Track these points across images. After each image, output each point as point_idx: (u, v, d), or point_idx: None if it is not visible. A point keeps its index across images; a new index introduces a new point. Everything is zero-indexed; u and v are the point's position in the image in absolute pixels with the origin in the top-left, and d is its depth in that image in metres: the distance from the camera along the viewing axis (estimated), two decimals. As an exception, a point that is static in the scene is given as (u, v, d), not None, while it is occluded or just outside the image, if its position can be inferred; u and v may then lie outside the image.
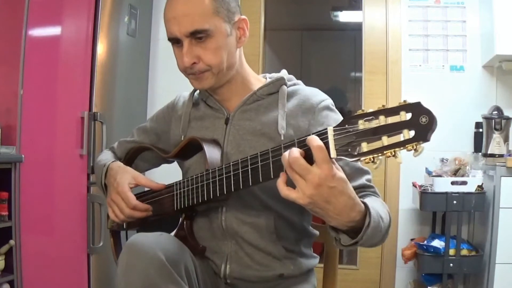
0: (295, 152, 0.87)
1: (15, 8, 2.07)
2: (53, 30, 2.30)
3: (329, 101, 1.26)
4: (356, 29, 3.42)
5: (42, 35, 2.22)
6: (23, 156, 2.02)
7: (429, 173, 2.64)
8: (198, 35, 1.14)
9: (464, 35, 2.91)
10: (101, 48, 2.53)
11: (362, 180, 1.14)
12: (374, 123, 0.82)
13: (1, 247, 1.93)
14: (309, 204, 0.88)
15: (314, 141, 0.86)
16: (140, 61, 3.08)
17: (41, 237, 2.20)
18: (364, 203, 0.95)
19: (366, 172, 1.18)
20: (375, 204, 1.00)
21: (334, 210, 0.89)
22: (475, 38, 2.89)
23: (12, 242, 1.94)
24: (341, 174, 0.88)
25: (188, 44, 1.15)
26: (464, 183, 2.48)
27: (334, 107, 1.26)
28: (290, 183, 0.90)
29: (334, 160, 0.87)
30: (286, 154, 0.88)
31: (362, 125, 0.83)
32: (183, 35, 1.15)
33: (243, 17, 1.23)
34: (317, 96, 1.26)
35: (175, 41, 1.18)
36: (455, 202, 2.44)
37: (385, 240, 1.05)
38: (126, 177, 1.26)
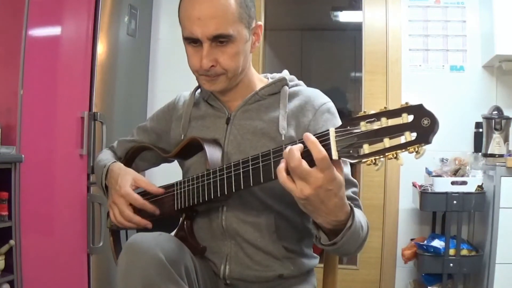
0: (296, 157, 0.88)
1: (15, 8, 2.07)
2: (53, 30, 2.30)
3: (330, 105, 1.26)
4: (356, 29, 3.42)
5: (42, 35, 2.22)
6: (23, 156, 2.01)
7: (429, 173, 2.64)
8: (220, 39, 1.14)
9: (464, 35, 2.91)
10: (101, 48, 2.53)
11: (348, 192, 1.15)
12: (376, 125, 0.82)
13: (1, 247, 1.93)
14: (303, 200, 0.91)
15: (317, 152, 0.87)
16: (140, 61, 3.08)
17: (41, 237, 2.20)
18: (350, 206, 0.98)
19: (354, 185, 1.19)
20: (358, 213, 1.03)
21: (325, 210, 0.92)
22: (475, 38, 2.89)
23: (12, 242, 1.94)
24: (339, 177, 0.90)
25: (209, 47, 1.14)
26: (464, 183, 2.48)
27: (335, 111, 1.26)
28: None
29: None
30: (287, 157, 0.89)
31: (364, 126, 0.84)
32: (205, 37, 1.13)
33: (260, 23, 1.24)
34: (319, 98, 1.26)
35: (192, 41, 1.17)
36: (455, 202, 2.44)
37: (359, 251, 1.08)
38: (127, 179, 1.26)
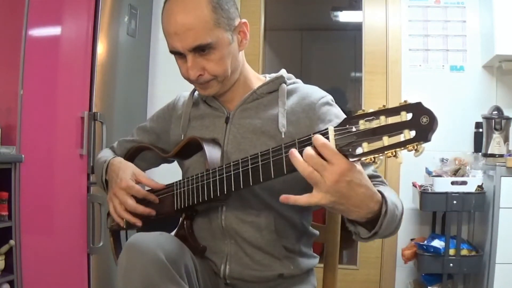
0: (309, 149, 0.88)
1: (15, 8, 2.07)
2: (53, 30, 2.30)
3: (328, 97, 1.26)
4: (356, 29, 3.42)
5: (42, 35, 2.22)
6: (23, 156, 2.01)
7: (429, 173, 2.63)
8: (201, 49, 1.14)
9: (464, 35, 2.91)
10: (101, 48, 2.53)
11: (369, 171, 1.13)
12: (375, 123, 0.82)
13: (1, 247, 1.93)
14: (330, 202, 0.89)
15: (317, 140, 0.87)
16: (140, 61, 3.08)
17: (41, 237, 2.20)
18: (380, 192, 0.96)
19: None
20: (388, 193, 1.00)
21: (354, 203, 0.90)
22: (475, 38, 2.89)
23: (12, 242, 1.94)
24: (356, 165, 0.88)
25: (192, 58, 1.15)
26: (464, 183, 2.48)
27: (334, 103, 1.26)
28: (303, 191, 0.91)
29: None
30: (298, 155, 0.89)
31: (363, 125, 0.83)
32: (185, 50, 1.14)
33: (243, 20, 1.23)
34: (317, 93, 1.26)
35: (178, 53, 1.18)
36: (455, 202, 2.44)
37: (399, 228, 1.05)
38: (128, 173, 1.26)
